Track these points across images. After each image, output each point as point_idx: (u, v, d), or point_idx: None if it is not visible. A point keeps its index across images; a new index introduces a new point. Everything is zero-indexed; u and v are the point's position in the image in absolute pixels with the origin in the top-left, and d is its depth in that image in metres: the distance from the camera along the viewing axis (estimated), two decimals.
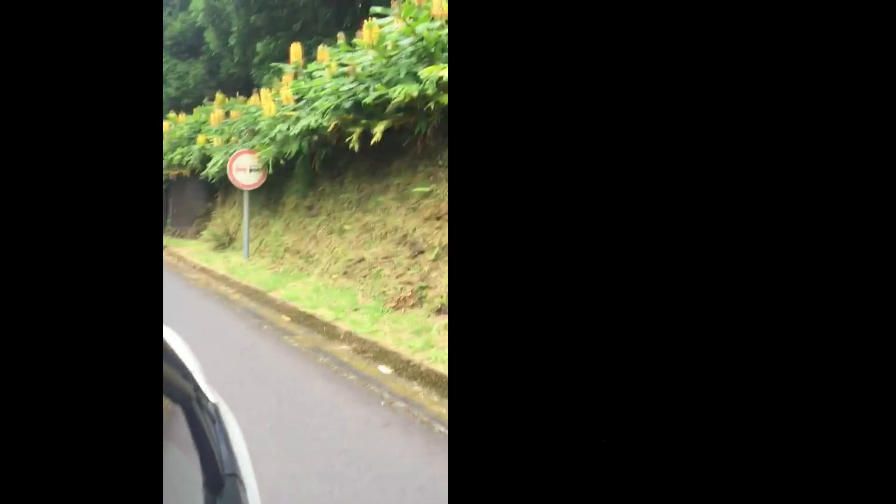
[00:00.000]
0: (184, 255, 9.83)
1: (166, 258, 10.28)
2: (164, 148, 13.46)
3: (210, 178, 10.15)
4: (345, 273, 5.56)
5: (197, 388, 0.91)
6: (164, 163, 13.35)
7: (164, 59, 15.70)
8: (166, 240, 12.32)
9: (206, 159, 10.20)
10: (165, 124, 13.70)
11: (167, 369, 0.54)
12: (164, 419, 0.53)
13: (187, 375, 0.83)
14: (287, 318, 5.05)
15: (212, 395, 1.09)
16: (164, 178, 13.39)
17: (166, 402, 0.59)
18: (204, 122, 12.10)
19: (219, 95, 11.68)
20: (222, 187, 10.51)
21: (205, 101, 12.39)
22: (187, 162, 11.94)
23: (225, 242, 9.81)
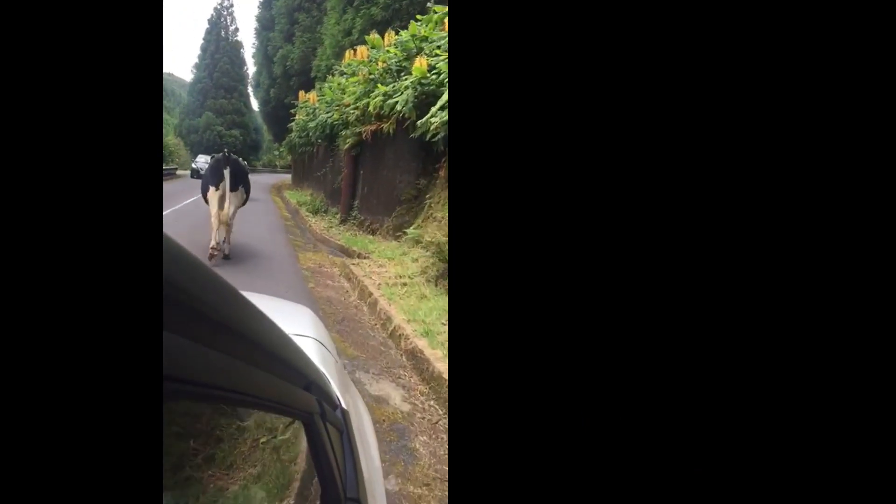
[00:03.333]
0: (368, 283, 4.78)
1: (334, 280, 5.28)
2: (357, 90, 8.82)
3: (429, 134, 5.92)
4: None
5: (323, 399, 0.79)
6: (355, 114, 8.74)
7: None
8: (346, 236, 7.62)
9: (425, 103, 6.36)
10: (362, 50, 9.03)
11: (281, 384, 0.52)
12: (281, 437, 0.58)
13: (310, 386, 0.69)
14: None
15: (344, 401, 1.03)
16: (355, 138, 8.83)
17: (284, 420, 0.59)
18: (424, 39, 6.99)
19: None
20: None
21: (430, 3, 7.21)
22: (391, 109, 6.93)
23: None
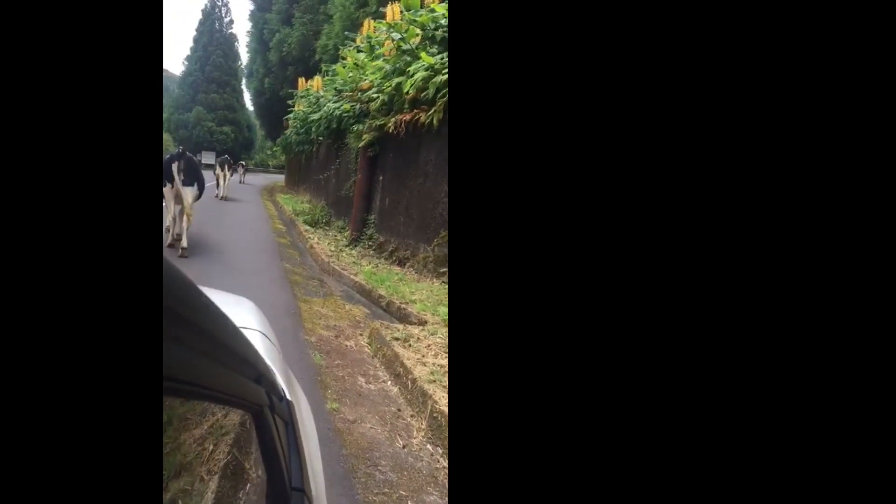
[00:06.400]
0: (446, 406, 2.43)
1: (368, 374, 2.98)
2: (384, 67, 6.56)
3: None
4: None
5: (271, 391, 0.79)
6: (379, 100, 6.51)
7: None
8: (366, 268, 5.33)
9: None
10: (394, 8, 6.78)
11: (235, 378, 0.53)
12: (232, 429, 0.58)
13: (260, 379, 0.70)
14: None
15: (288, 392, 1.03)
16: (375, 133, 6.63)
17: (235, 412, 0.60)
18: None
19: None
20: None
21: None
22: (437, 91, 4.77)
23: None
